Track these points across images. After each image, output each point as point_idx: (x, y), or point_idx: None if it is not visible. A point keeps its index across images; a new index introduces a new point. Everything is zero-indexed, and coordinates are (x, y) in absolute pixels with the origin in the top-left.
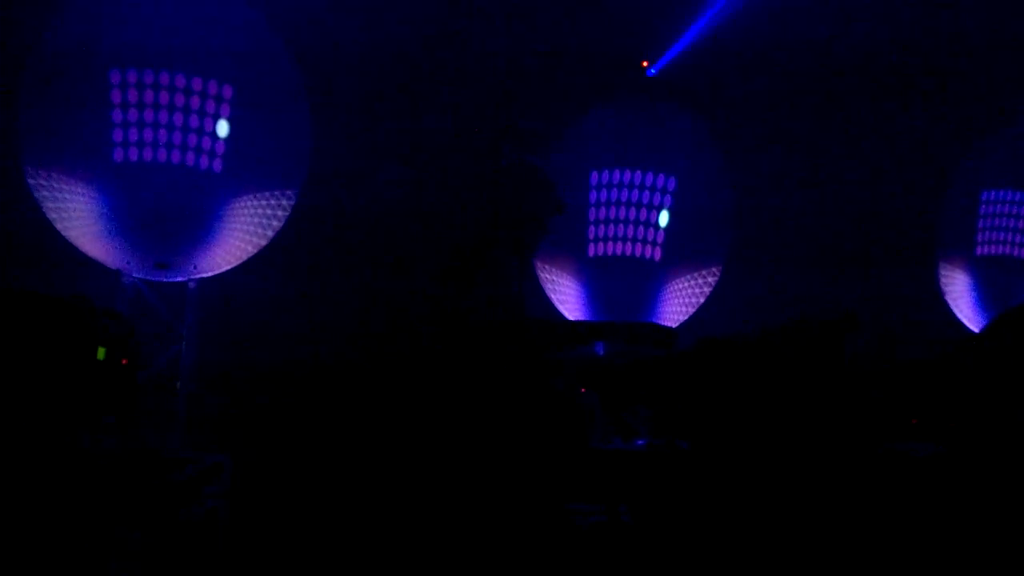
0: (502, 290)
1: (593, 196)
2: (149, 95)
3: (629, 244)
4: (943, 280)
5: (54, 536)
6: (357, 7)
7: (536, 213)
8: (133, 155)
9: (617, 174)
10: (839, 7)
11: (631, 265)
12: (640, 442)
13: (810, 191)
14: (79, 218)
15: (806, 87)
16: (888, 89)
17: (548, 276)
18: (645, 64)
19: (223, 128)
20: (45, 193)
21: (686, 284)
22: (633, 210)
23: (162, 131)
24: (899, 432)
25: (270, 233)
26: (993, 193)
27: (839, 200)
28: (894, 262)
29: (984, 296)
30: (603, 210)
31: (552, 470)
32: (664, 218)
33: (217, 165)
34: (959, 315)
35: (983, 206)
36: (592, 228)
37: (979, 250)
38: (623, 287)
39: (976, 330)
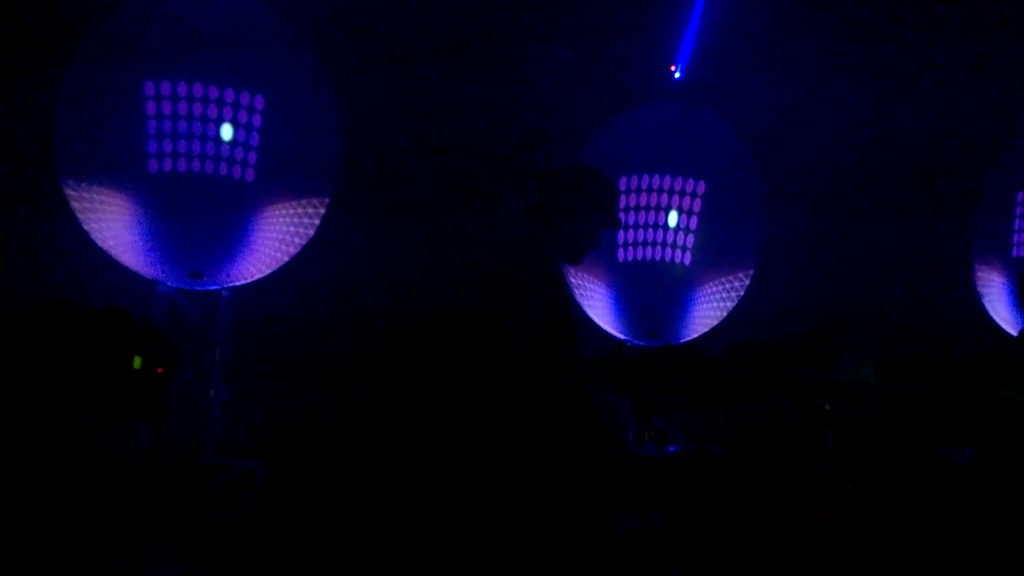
0: (549, 303)
1: (622, 201)
2: (183, 106)
3: (659, 249)
4: (979, 282)
5: (88, 543)
6: (385, 16)
7: (591, 224)
8: (167, 166)
9: (646, 178)
10: (871, 7)
11: (661, 270)
12: (672, 448)
13: (843, 192)
14: (115, 228)
15: (838, 87)
16: (922, 88)
17: (577, 281)
18: (673, 68)
19: (227, 132)
20: (82, 204)
21: (717, 289)
22: (663, 214)
23: (195, 142)
24: (937, 437)
25: (302, 241)
26: None
27: (873, 202)
28: (930, 264)
29: (1021, 298)
30: (632, 215)
31: (588, 476)
32: (673, 218)
33: (249, 175)
34: (996, 317)
35: (1019, 207)
36: (622, 233)
37: (1015, 251)
38: (653, 292)
39: (1014, 332)
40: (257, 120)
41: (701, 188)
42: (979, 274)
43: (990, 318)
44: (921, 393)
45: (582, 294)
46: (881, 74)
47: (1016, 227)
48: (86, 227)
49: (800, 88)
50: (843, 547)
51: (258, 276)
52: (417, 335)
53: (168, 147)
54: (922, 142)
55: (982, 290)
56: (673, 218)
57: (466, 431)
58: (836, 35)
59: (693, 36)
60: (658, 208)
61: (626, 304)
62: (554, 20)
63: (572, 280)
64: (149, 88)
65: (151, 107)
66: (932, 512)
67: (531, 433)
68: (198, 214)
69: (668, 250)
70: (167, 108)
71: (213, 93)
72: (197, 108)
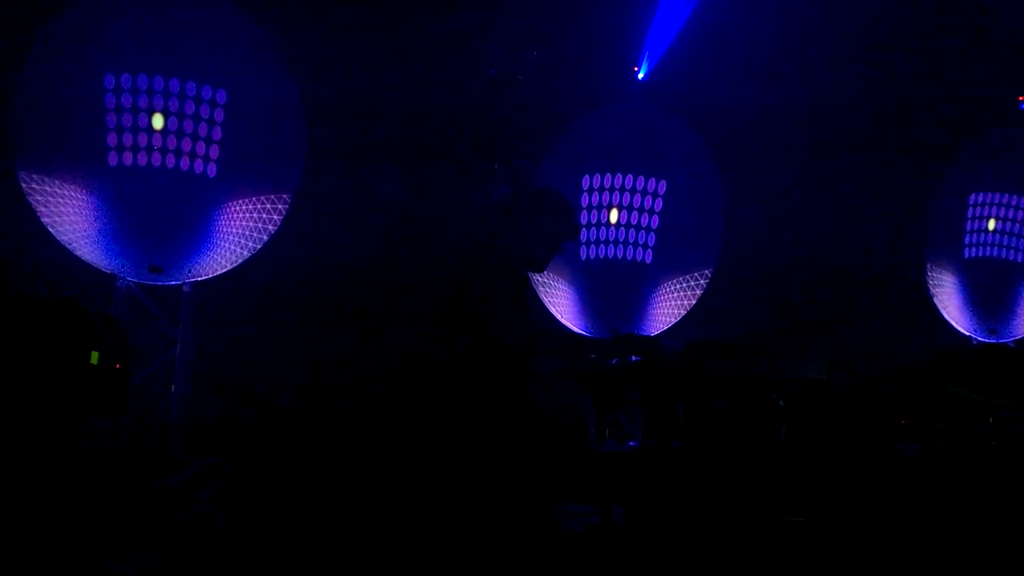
0: (512, 309)
1: (585, 200)
2: (143, 100)
3: (621, 247)
4: (931, 282)
5: (46, 540)
6: (352, 16)
7: (553, 235)
8: (127, 159)
9: (608, 178)
10: (828, 15)
11: (623, 268)
12: (632, 443)
13: (799, 194)
14: (73, 222)
15: (796, 92)
16: (878, 93)
17: (541, 279)
18: (636, 69)
19: (158, 121)
20: (39, 197)
21: (677, 287)
22: (625, 214)
23: (156, 135)
24: (889, 432)
25: (265, 237)
26: (981, 196)
27: (828, 203)
28: (883, 265)
29: (972, 298)
30: (595, 214)
31: (545, 472)
32: (614, 215)
33: (211, 170)
34: (947, 317)
35: (971, 209)
36: (584, 232)
37: (967, 252)
38: (615, 290)
39: (963, 331)
40: (219, 115)
41: (662, 188)
42: (931, 274)
43: (941, 317)
44: (872, 389)
45: (545, 291)
46: (840, 77)
47: (968, 228)
48: (43, 220)
49: (761, 91)
50: (796, 538)
51: (220, 271)
52: (378, 332)
53: (128, 140)
54: (878, 145)
55: (934, 290)
56: (614, 215)
57: (428, 427)
58: (797, 40)
59: (657, 39)
60: (620, 207)
61: (588, 301)
62: (520, 21)
63: (536, 277)
64: (109, 80)
65: (111, 100)
66: (882, 505)
67: (489, 428)
68: (159, 208)
69: (630, 248)
70: (127, 101)
71: (175, 87)
72: (158, 102)
